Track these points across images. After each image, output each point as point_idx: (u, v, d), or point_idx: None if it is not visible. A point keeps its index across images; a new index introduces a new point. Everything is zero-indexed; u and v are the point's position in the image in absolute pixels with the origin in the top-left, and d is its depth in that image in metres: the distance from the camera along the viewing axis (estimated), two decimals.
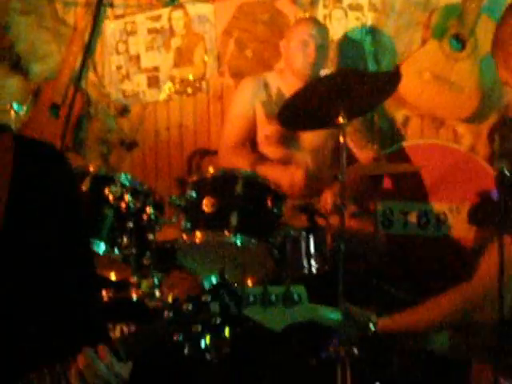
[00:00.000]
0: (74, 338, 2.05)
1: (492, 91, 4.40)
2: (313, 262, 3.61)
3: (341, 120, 3.32)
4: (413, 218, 4.40)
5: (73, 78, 5.07)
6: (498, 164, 2.33)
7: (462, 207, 4.34)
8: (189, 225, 3.39)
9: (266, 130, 4.31)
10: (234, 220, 3.32)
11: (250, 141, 4.37)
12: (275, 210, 3.44)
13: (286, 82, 4.31)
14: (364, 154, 4.34)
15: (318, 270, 3.62)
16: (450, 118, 4.55)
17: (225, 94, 5.00)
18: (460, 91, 4.35)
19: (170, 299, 2.01)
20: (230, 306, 1.94)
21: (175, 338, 1.94)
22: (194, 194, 3.41)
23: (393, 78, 3.61)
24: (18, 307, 2.03)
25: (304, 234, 3.60)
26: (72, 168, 2.16)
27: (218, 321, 1.94)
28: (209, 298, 1.94)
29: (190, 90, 5.09)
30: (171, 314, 1.95)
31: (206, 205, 3.35)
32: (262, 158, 4.26)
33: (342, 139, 3.33)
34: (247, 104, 4.36)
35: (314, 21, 4.45)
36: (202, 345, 1.94)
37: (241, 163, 4.12)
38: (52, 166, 2.08)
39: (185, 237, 3.38)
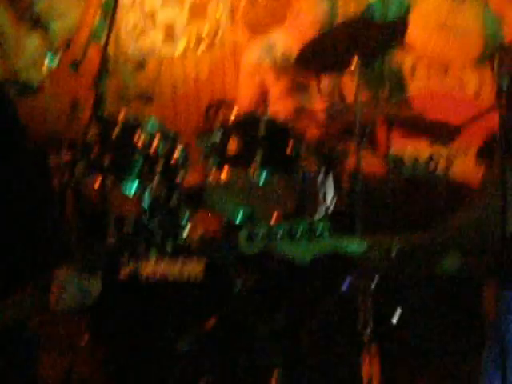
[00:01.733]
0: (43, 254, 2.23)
1: (496, 34, 4.52)
2: (331, 200, 3.81)
3: (353, 65, 3.52)
4: (422, 160, 4.56)
5: (91, 36, 5.21)
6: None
7: (469, 150, 4.52)
8: (215, 165, 3.57)
9: (277, 87, 4.50)
10: (257, 159, 3.51)
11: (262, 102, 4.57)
12: (295, 150, 3.62)
13: (290, 40, 4.49)
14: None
15: (335, 207, 3.82)
16: (457, 61, 4.68)
17: (238, 47, 5.16)
18: (465, 36, 4.48)
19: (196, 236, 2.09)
20: (166, 221, 2.04)
21: (124, 259, 2.04)
22: (219, 137, 3.61)
23: (399, 27, 3.80)
24: None
25: (322, 173, 3.80)
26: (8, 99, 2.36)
27: (160, 236, 2.03)
28: (146, 218, 2.04)
29: (204, 45, 5.24)
30: (113, 240, 2.04)
31: (231, 146, 3.56)
32: None
33: (356, 83, 3.54)
34: (255, 67, 4.57)
35: None
36: (153, 260, 2.06)
37: None
38: None
39: (212, 176, 3.58)
